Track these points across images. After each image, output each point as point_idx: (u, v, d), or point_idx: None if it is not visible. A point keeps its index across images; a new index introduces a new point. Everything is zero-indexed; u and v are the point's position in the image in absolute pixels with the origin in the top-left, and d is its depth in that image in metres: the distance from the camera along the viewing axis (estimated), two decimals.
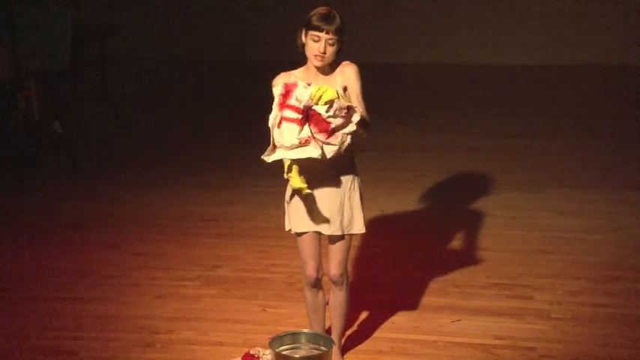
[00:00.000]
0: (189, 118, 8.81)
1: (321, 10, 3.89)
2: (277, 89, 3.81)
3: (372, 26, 10.72)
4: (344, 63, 3.98)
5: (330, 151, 3.81)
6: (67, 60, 7.57)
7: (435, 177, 6.96)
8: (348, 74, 3.94)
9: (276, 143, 3.80)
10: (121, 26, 9.07)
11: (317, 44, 3.85)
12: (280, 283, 5.17)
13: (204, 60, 10.86)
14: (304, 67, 3.97)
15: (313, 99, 3.72)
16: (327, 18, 3.85)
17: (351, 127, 3.78)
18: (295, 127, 3.74)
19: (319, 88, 3.72)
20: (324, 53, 3.86)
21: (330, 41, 3.86)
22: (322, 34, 3.84)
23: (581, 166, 7.25)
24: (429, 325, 4.67)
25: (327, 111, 3.72)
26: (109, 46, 8.77)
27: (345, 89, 3.91)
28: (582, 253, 5.56)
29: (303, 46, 3.91)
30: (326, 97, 3.70)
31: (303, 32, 3.89)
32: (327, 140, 3.78)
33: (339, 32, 3.86)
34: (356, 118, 3.77)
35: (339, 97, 3.72)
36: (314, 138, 3.76)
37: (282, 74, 3.98)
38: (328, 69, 3.95)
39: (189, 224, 6.10)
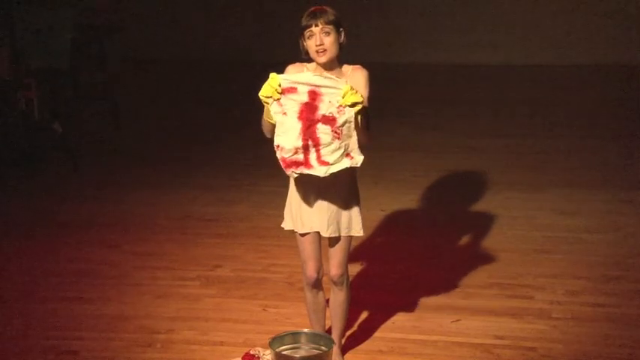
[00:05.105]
0: (190, 118, 8.80)
1: (309, 9, 3.90)
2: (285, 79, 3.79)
3: (372, 26, 10.71)
4: (355, 67, 3.97)
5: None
6: (68, 60, 7.58)
7: (434, 177, 6.96)
8: (357, 78, 3.92)
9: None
10: (122, 26, 9.07)
11: (313, 40, 3.86)
12: (280, 283, 5.17)
13: (204, 60, 10.85)
14: (316, 65, 3.96)
15: (344, 97, 3.72)
16: (314, 13, 3.86)
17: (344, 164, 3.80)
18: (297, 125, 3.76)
19: (352, 88, 3.74)
20: (322, 44, 3.85)
21: (325, 30, 3.85)
22: (314, 29, 3.84)
23: (581, 166, 7.24)
24: (429, 325, 4.67)
25: (338, 112, 3.74)
26: (109, 46, 8.76)
27: None
28: (582, 253, 5.56)
29: (307, 52, 3.91)
30: (352, 100, 3.71)
31: (301, 38, 3.90)
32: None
33: (331, 22, 3.85)
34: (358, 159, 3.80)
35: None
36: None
37: (295, 64, 3.98)
38: (338, 71, 3.94)
39: (190, 224, 6.10)
